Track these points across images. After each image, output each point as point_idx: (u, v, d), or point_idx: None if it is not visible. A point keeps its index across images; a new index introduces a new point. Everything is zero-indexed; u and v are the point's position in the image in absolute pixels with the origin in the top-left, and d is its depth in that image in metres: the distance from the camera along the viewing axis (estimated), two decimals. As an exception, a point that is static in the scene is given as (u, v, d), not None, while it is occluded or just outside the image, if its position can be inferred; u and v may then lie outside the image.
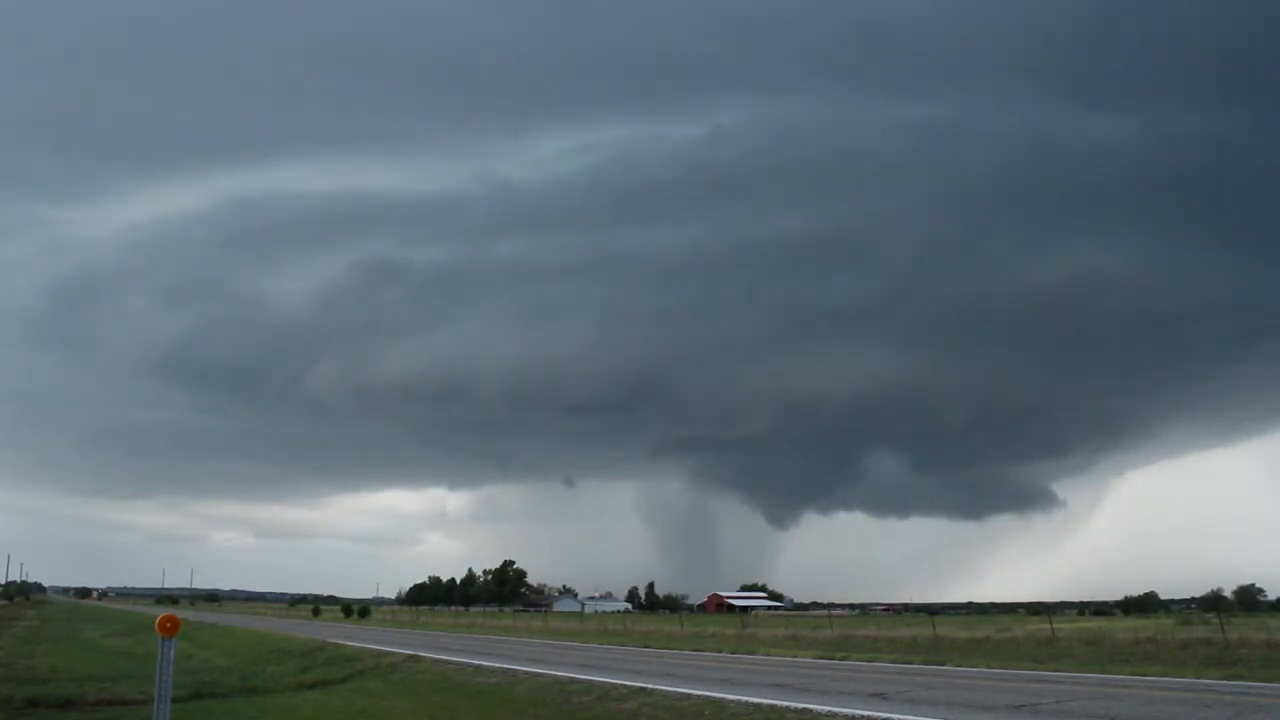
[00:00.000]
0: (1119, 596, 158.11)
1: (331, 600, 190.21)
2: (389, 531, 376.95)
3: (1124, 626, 52.84)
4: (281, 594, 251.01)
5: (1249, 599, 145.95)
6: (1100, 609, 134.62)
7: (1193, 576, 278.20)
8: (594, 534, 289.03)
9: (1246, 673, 23.99)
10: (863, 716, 16.65)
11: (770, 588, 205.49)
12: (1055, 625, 47.44)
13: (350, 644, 41.37)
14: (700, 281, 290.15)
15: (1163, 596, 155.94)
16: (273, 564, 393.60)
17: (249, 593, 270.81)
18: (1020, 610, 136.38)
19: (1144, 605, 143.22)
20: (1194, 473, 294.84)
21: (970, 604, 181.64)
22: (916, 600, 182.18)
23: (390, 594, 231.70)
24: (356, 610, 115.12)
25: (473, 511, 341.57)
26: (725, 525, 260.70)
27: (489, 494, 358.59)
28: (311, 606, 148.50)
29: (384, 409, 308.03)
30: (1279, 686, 20.49)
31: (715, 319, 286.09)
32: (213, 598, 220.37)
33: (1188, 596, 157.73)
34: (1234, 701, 17.79)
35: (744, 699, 19.15)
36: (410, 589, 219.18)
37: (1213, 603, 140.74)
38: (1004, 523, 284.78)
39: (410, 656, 33.34)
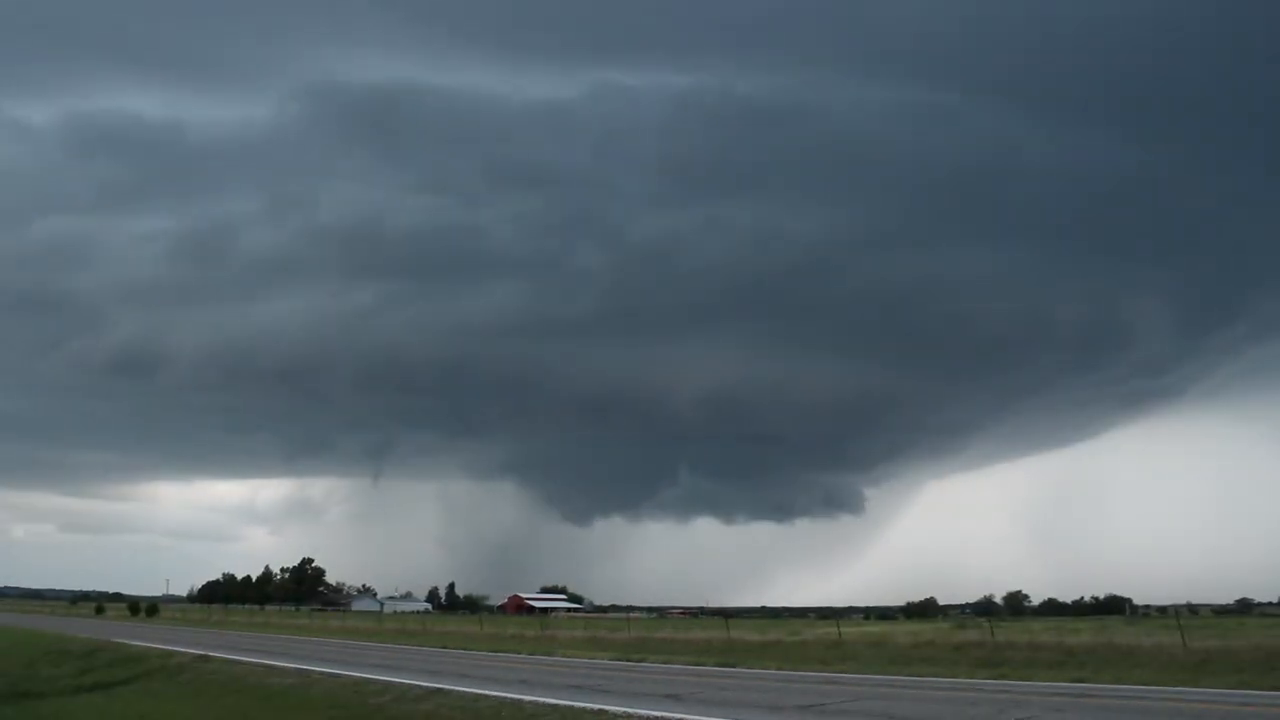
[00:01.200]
0: (903, 601, 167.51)
1: (118, 598, 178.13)
2: (213, 527, 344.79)
3: (905, 630, 55.73)
4: (63, 591, 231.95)
5: (1017, 604, 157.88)
6: (884, 614, 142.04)
7: (973, 584, 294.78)
8: (399, 531, 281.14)
9: (1011, 672, 25.72)
10: (657, 717, 16.94)
11: (574, 590, 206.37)
12: (842, 629, 49.57)
13: (135, 644, 39.95)
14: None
15: (941, 602, 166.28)
16: (60, 560, 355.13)
17: (23, 589, 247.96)
18: (810, 615, 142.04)
19: (924, 610, 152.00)
20: (986, 485, 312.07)
21: (764, 608, 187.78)
22: (715, 604, 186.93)
23: (181, 592, 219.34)
24: (144, 608, 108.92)
25: (288, 506, 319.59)
26: (529, 526, 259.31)
27: (305, 486, 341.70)
28: (95, 604, 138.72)
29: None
30: (1037, 685, 22.05)
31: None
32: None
33: (963, 602, 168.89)
34: (996, 700, 19.06)
35: (541, 700, 19.17)
36: (203, 587, 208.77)
37: (985, 608, 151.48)
38: (806, 529, 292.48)
39: (200, 656, 32.07)
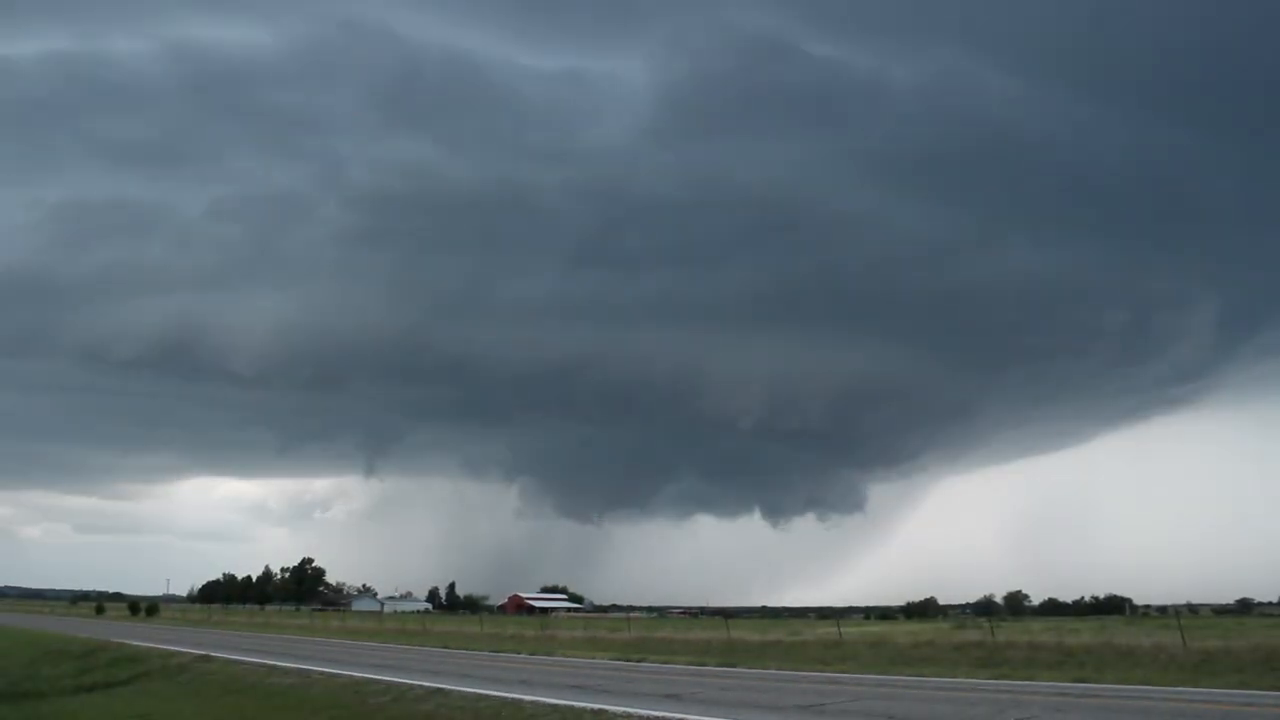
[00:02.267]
0: (903, 601, 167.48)
1: (118, 598, 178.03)
2: (226, 526, 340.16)
3: (905, 630, 55.76)
4: (64, 591, 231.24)
5: (1017, 604, 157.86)
6: (885, 614, 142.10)
7: (974, 584, 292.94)
8: (404, 531, 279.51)
9: (1010, 672, 25.75)
10: (657, 717, 16.95)
11: (574, 590, 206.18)
12: (842, 629, 49.57)
13: (135, 643, 39.95)
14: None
15: (941, 602, 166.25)
16: (67, 559, 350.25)
17: (23, 589, 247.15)
18: (810, 615, 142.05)
19: (924, 610, 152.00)
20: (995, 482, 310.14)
21: (764, 608, 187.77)
22: (715, 604, 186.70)
23: (182, 591, 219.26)
24: (144, 608, 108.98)
25: (297, 507, 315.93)
26: (532, 526, 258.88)
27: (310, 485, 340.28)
28: (95, 604, 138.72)
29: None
30: (1037, 685, 22.07)
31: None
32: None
33: (963, 602, 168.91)
34: (996, 699, 19.08)
35: (541, 700, 19.18)
36: (203, 587, 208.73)
37: (985, 608, 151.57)
38: (806, 528, 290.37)
39: (201, 656, 32.09)
